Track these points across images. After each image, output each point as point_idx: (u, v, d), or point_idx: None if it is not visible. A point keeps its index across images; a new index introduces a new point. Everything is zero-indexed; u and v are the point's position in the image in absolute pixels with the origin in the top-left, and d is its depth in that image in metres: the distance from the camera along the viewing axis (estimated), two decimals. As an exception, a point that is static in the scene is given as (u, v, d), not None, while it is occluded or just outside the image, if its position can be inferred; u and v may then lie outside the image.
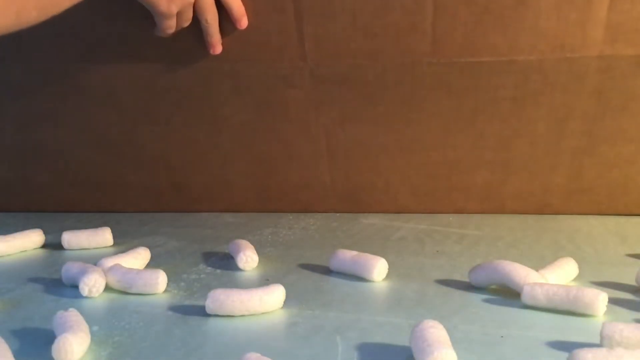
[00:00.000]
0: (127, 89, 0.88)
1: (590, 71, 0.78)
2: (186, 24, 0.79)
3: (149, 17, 0.79)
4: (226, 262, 0.74)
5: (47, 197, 0.98)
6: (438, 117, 0.84)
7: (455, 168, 0.87)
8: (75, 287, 0.65)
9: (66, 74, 0.88)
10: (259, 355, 0.48)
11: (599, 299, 0.56)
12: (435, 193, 0.90)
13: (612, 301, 0.59)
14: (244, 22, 0.80)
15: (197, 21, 0.80)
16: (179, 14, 0.78)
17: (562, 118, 0.82)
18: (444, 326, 0.51)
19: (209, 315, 0.59)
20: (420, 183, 0.89)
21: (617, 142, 0.83)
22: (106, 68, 0.85)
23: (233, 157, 0.91)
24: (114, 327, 0.58)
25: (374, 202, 0.92)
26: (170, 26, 0.78)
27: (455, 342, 0.49)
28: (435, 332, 0.49)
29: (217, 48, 0.82)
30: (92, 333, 0.55)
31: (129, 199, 0.97)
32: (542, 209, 0.89)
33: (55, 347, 0.50)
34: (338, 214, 0.93)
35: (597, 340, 0.50)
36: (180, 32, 0.80)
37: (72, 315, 0.55)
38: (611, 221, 0.86)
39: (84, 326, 0.54)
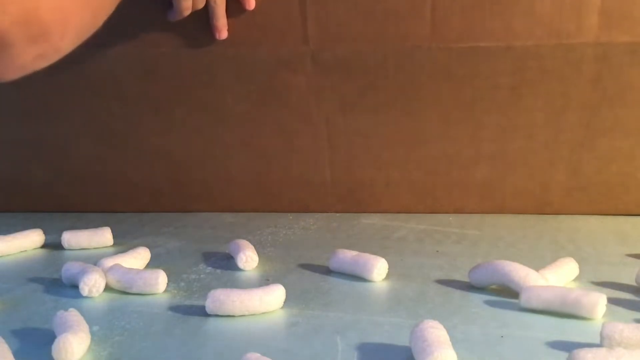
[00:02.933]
0: (131, 76, 0.88)
1: (586, 59, 0.79)
2: (201, 5, 0.80)
3: (155, 2, 0.80)
4: (226, 262, 0.74)
5: (47, 196, 0.98)
6: (437, 106, 0.85)
7: (454, 162, 0.88)
8: (75, 287, 0.65)
9: (70, 59, 0.89)
10: (259, 355, 0.48)
11: (598, 304, 0.56)
12: (434, 191, 0.90)
13: (612, 301, 0.59)
14: (252, 3, 0.82)
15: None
16: None
17: (559, 108, 0.83)
18: (444, 326, 0.51)
19: (209, 315, 0.59)
20: (420, 179, 0.90)
21: (616, 135, 0.83)
22: (110, 53, 0.86)
23: (234, 151, 0.92)
24: (114, 327, 0.58)
25: (373, 200, 0.92)
26: (188, 7, 0.79)
27: (455, 342, 0.49)
28: (435, 332, 0.49)
29: (223, 33, 0.83)
30: (92, 333, 0.55)
31: (129, 197, 0.97)
32: (542, 207, 0.89)
33: (55, 347, 0.50)
34: (338, 214, 0.93)
35: (597, 341, 0.50)
36: (185, 17, 0.81)
37: (72, 315, 0.55)
38: (611, 221, 0.86)
39: (84, 326, 0.54)
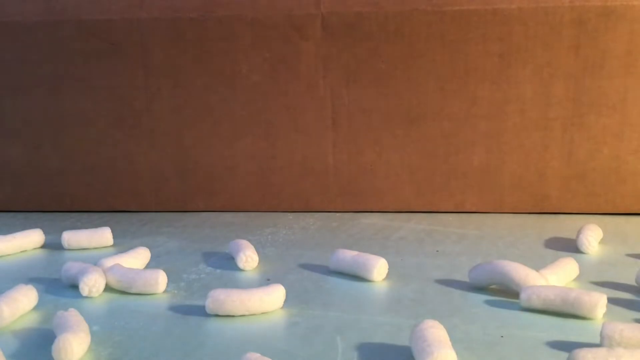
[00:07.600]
0: (158, 43, 0.94)
1: (565, 22, 0.87)
2: None
3: None
4: (226, 262, 0.74)
5: (53, 187, 0.99)
6: (434, 76, 0.91)
7: (452, 144, 0.92)
8: (75, 287, 0.65)
9: (101, 28, 0.95)
10: (259, 355, 0.48)
11: (599, 304, 0.56)
12: (433, 179, 0.93)
13: (612, 301, 0.59)
14: None
15: None
16: None
17: (547, 79, 0.89)
18: (444, 326, 0.51)
19: (209, 315, 0.59)
20: (419, 165, 0.93)
21: (602, 110, 0.89)
22: (141, 21, 0.94)
23: (242, 131, 0.95)
24: (114, 327, 0.58)
25: (374, 192, 0.95)
26: None
27: (455, 342, 0.49)
28: (435, 332, 0.49)
29: None
30: (92, 333, 0.55)
31: (132, 191, 0.98)
32: (542, 202, 0.91)
33: (55, 347, 0.50)
34: (338, 214, 0.94)
35: (597, 341, 0.50)
36: None
37: (72, 315, 0.55)
38: (611, 221, 0.86)
39: (84, 326, 0.54)
